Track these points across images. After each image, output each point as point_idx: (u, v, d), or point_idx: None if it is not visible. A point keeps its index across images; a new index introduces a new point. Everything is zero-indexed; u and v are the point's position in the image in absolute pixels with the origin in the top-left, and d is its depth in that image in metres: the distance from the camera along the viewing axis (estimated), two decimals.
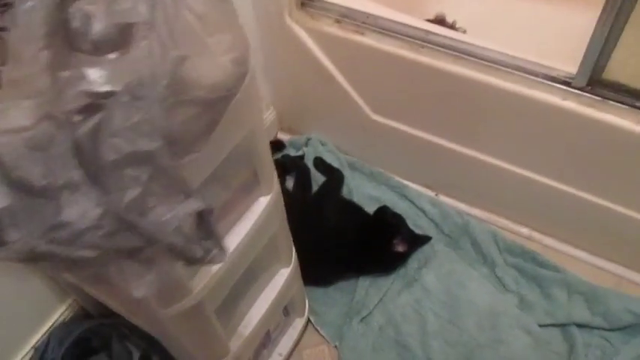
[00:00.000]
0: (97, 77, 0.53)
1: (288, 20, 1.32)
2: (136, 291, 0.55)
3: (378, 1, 1.39)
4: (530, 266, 1.35)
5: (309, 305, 1.32)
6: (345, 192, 1.54)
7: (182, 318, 0.79)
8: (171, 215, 0.53)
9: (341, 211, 1.41)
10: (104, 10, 0.52)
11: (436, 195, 1.52)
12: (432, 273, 1.37)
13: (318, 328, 1.30)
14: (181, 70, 0.54)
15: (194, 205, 0.55)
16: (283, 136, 1.72)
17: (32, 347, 1.19)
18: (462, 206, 1.49)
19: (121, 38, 0.53)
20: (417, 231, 1.43)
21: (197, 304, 0.79)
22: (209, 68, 0.58)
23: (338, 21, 1.29)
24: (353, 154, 1.61)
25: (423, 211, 1.48)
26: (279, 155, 1.64)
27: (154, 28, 0.52)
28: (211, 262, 0.57)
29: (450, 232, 1.43)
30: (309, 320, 1.31)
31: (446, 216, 1.45)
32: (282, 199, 0.95)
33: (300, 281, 1.21)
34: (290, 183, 1.57)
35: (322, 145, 1.62)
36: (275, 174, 0.89)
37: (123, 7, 0.52)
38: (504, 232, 1.43)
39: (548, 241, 1.41)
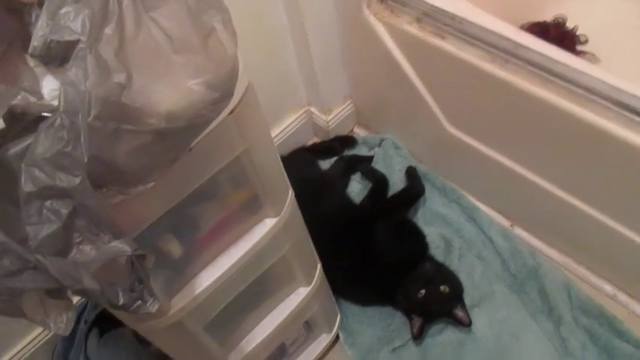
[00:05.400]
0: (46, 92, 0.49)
1: (366, 12, 1.20)
2: (56, 327, 0.51)
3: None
4: (606, 333, 1.12)
5: (344, 320, 1.24)
6: None
7: (162, 332, 0.76)
8: (91, 258, 0.48)
9: (396, 236, 1.25)
10: (47, 23, 0.47)
11: (511, 226, 1.33)
12: (485, 315, 1.21)
13: (346, 348, 1.22)
14: (125, 96, 0.48)
15: (120, 248, 0.49)
16: (360, 132, 1.62)
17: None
18: (538, 244, 1.28)
19: (63, 57, 0.48)
20: (480, 264, 1.27)
21: (176, 323, 0.75)
22: (167, 93, 0.51)
23: (419, 20, 1.14)
24: (426, 164, 1.46)
25: (492, 241, 1.30)
26: (348, 153, 1.54)
27: (92, 49, 0.46)
28: (136, 311, 0.51)
29: (516, 271, 1.24)
30: (338, 336, 1.23)
31: (516, 253, 1.26)
32: (297, 221, 0.86)
33: (329, 299, 1.13)
34: (353, 185, 1.47)
35: (395, 148, 1.49)
36: (289, 195, 0.81)
37: (60, 22, 0.46)
38: (583, 284, 1.21)
39: (637, 307, 1.17)
